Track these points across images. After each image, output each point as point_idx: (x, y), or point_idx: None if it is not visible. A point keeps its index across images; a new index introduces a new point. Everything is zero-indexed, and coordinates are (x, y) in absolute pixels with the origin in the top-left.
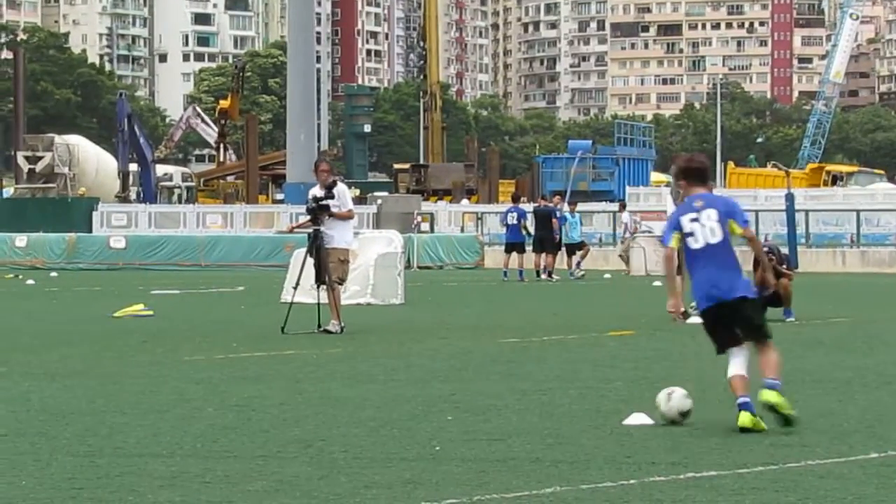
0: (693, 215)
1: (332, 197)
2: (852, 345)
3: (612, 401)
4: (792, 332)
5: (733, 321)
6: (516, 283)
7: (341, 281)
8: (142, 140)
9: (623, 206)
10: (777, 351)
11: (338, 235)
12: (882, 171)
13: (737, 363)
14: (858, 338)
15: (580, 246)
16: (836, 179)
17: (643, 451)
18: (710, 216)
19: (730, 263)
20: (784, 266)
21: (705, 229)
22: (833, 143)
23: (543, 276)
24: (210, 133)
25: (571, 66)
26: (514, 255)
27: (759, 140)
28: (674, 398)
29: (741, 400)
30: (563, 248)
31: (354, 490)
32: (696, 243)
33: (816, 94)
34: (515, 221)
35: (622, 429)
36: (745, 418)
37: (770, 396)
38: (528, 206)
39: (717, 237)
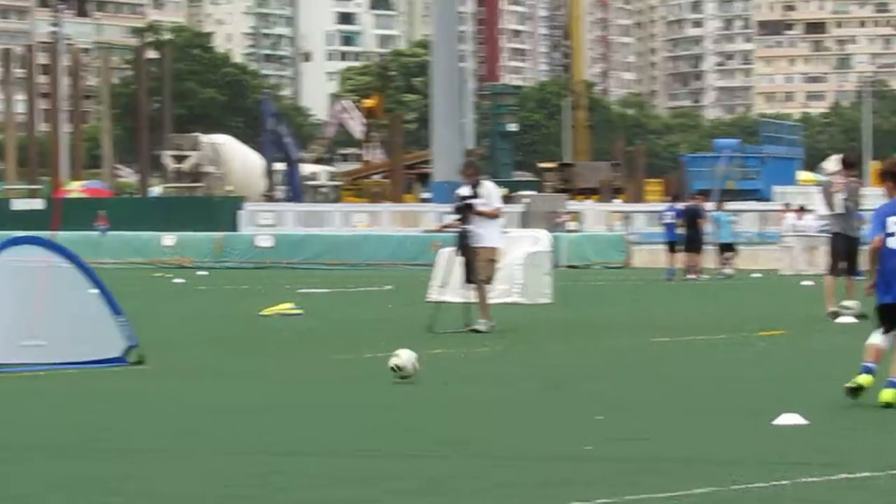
0: None
1: (478, 196)
2: None
3: (762, 400)
4: None
5: None
6: (664, 283)
7: (489, 280)
8: (287, 139)
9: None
10: None
11: (485, 234)
12: None
13: (881, 337)
14: None
15: (731, 245)
16: None
17: (795, 452)
18: None
19: None
20: None
21: None
22: None
23: (691, 276)
24: (358, 128)
25: (717, 64)
26: (674, 252)
27: None
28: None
29: (867, 364)
30: (716, 247)
31: (503, 490)
32: (894, 243)
33: None
34: (673, 220)
35: (773, 429)
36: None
37: (887, 396)
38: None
39: None
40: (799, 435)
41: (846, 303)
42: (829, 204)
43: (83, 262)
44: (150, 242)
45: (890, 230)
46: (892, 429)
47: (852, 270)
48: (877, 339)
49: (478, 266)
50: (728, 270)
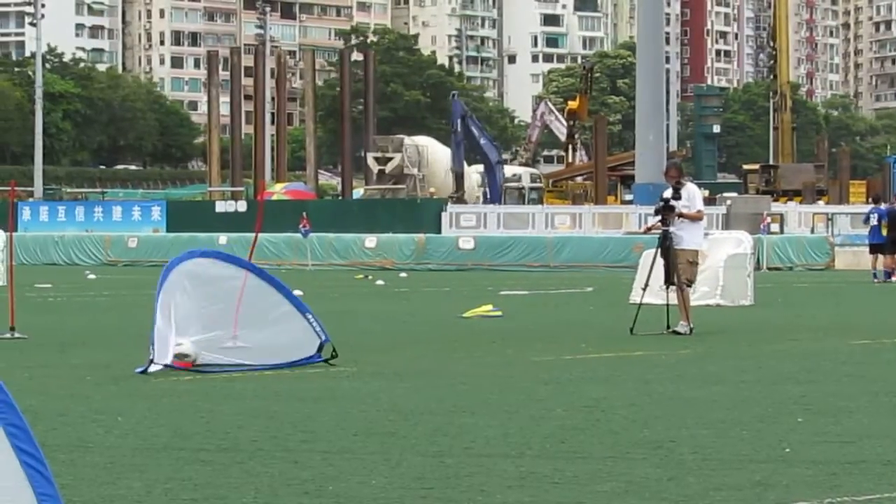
0: None
1: (680, 198)
2: None
3: None
4: None
5: None
6: (868, 285)
7: (690, 282)
8: (483, 140)
9: None
10: None
11: (687, 236)
12: None
13: None
14: None
15: None
16: None
17: None
18: None
19: None
20: None
21: None
22: None
23: (895, 278)
24: (561, 129)
25: None
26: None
27: None
28: None
29: None
30: None
31: (703, 492)
32: None
33: None
34: (876, 222)
35: None
36: None
37: None
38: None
39: None
40: None
41: None
42: None
43: (259, 269)
44: (353, 244)
45: None
46: None
47: None
48: None
49: (679, 268)
50: None
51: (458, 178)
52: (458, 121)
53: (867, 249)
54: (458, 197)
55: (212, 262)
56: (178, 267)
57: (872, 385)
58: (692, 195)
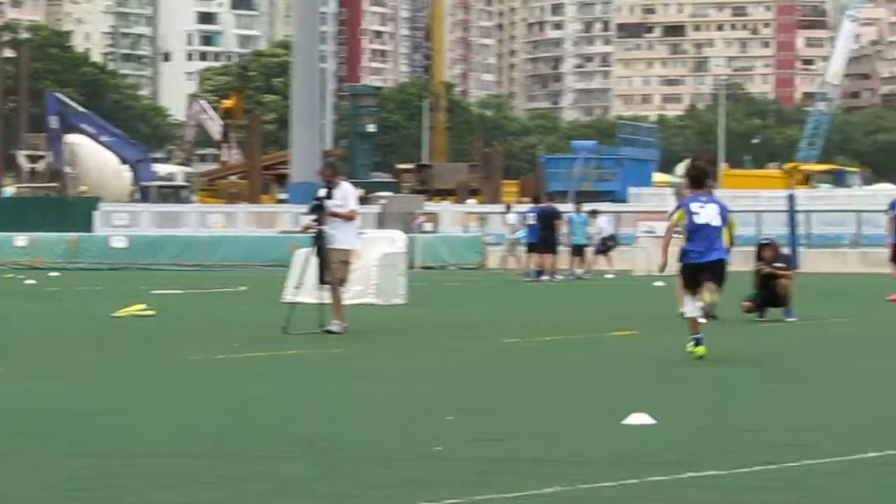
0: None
1: (331, 197)
2: (853, 345)
3: (613, 400)
4: (793, 331)
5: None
6: (519, 284)
7: (342, 281)
8: (108, 138)
9: (508, 208)
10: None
11: (340, 235)
12: (857, 169)
13: (691, 305)
14: (859, 338)
15: (583, 248)
16: (807, 178)
17: (644, 451)
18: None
19: None
20: (784, 265)
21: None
22: (835, 144)
23: (545, 277)
24: (215, 128)
25: (576, 66)
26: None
27: (756, 141)
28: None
29: (698, 336)
30: (570, 249)
31: (355, 490)
32: (698, 219)
33: (815, 96)
34: (534, 221)
35: (623, 428)
36: (702, 349)
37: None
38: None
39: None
40: (648, 434)
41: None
42: None
43: None
44: (3, 243)
45: (695, 211)
46: (738, 428)
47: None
48: (691, 309)
49: (332, 267)
50: (582, 272)
51: (55, 175)
52: (54, 117)
53: (525, 248)
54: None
55: None
56: None
57: (522, 383)
58: (346, 194)
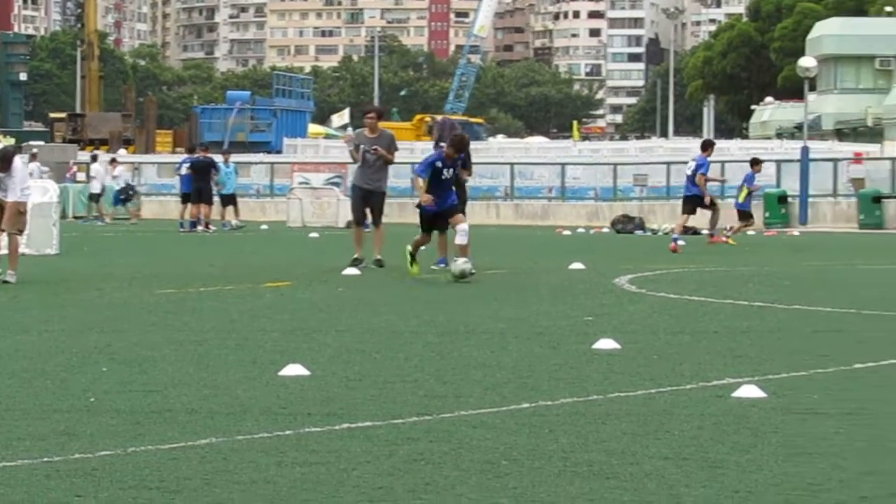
0: None
1: None
2: (506, 296)
3: (268, 352)
4: (448, 282)
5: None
6: (175, 234)
7: (21, 231)
8: None
9: (95, 158)
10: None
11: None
12: (482, 121)
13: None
14: (512, 289)
15: (234, 197)
16: (431, 129)
17: (299, 402)
18: None
19: None
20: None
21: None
22: (489, 97)
23: (200, 228)
24: None
25: (231, 16)
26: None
27: (403, 93)
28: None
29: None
30: (219, 199)
31: (6, 442)
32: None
33: (464, 49)
34: (188, 171)
35: (278, 380)
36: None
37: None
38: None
39: None
40: (303, 386)
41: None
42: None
43: None
44: None
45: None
46: (394, 380)
47: (373, 220)
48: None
49: (9, 218)
50: (235, 222)
51: None
52: None
53: (177, 199)
54: None
55: None
56: None
57: (177, 334)
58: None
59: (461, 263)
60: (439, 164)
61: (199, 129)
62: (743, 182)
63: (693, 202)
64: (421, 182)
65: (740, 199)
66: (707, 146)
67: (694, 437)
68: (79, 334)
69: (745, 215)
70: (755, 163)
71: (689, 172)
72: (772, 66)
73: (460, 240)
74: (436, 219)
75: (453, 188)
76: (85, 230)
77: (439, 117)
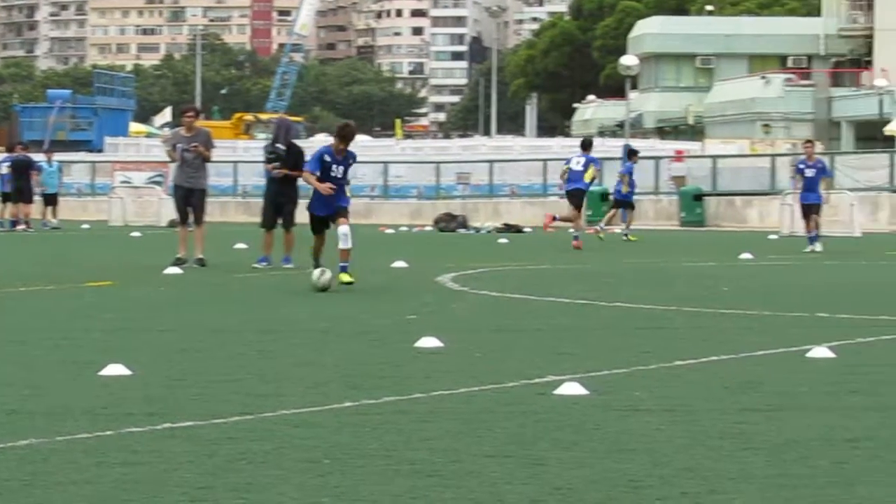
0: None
1: None
2: (329, 294)
3: (89, 351)
4: (280, 281)
5: None
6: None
7: None
8: None
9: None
10: None
11: None
12: (301, 119)
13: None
14: (333, 287)
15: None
16: (248, 127)
17: (120, 402)
18: None
19: None
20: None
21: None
22: (312, 95)
23: (20, 227)
24: None
25: (51, 14)
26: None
27: (224, 92)
28: (325, 275)
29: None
30: (42, 198)
31: None
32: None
33: (286, 47)
34: (8, 171)
35: (99, 379)
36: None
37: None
38: None
39: None
40: (125, 386)
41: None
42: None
43: None
44: None
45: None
46: (216, 379)
47: (194, 219)
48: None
49: None
50: (54, 221)
51: None
52: None
53: None
54: None
55: None
56: None
57: None
58: None
59: (328, 277)
60: (327, 157)
61: (19, 127)
62: (624, 173)
63: (579, 196)
64: (312, 179)
65: (623, 191)
66: (632, 154)
67: (516, 434)
68: None
69: (627, 205)
70: (632, 154)
71: (577, 168)
72: (594, 64)
73: (344, 244)
74: (324, 222)
75: (344, 188)
76: None
77: (276, 117)
